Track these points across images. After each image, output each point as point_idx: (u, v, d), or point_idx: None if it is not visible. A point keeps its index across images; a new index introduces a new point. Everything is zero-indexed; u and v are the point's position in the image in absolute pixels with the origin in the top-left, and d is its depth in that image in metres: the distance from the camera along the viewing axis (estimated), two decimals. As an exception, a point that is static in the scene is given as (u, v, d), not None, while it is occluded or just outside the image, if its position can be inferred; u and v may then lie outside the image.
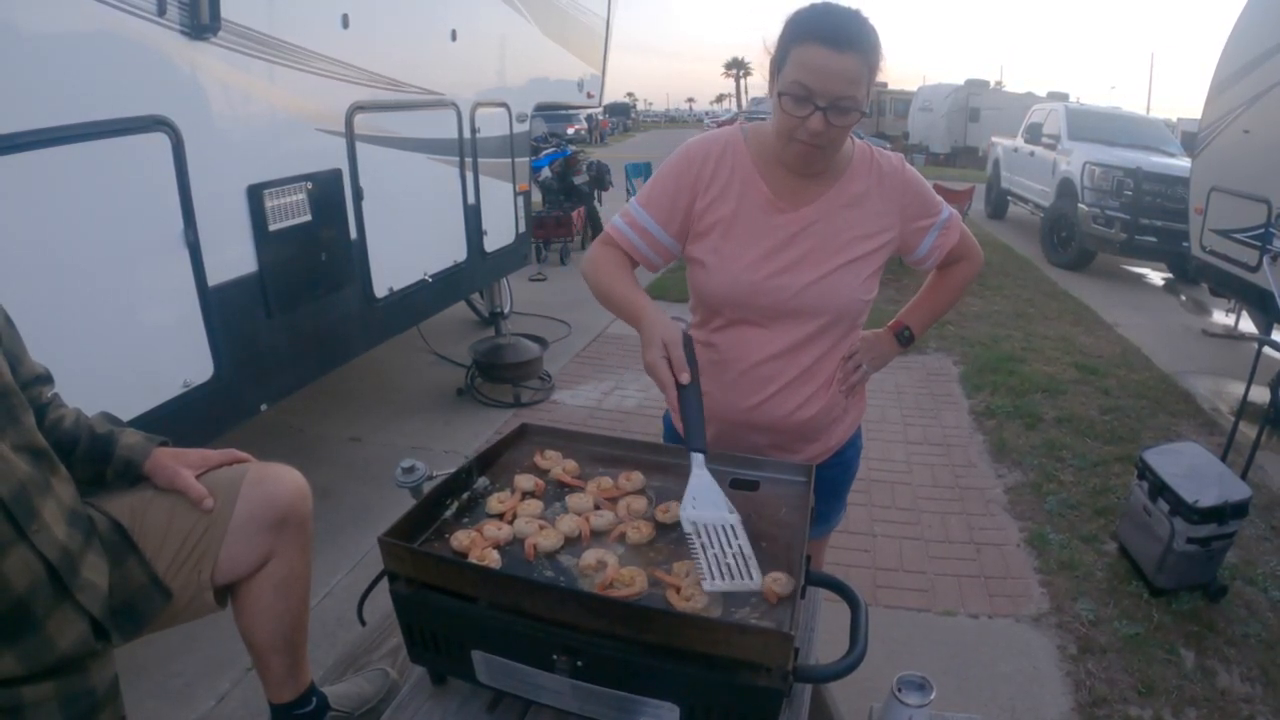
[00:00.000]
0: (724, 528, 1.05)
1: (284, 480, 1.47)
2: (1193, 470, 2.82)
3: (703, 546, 1.02)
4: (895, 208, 1.47)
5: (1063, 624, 2.69)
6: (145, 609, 1.33)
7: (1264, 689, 2.40)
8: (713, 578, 0.99)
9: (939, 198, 1.54)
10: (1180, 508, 2.70)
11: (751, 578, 1.00)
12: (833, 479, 1.63)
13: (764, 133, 1.44)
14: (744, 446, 1.51)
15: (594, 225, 9.05)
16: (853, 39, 1.23)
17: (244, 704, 2.26)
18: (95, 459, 1.38)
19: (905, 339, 1.67)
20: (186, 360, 2.44)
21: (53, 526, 1.19)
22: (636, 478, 1.32)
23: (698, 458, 1.16)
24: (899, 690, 1.41)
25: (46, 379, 1.41)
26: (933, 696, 1.41)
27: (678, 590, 1.03)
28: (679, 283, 6.09)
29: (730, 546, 1.03)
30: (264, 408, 2.82)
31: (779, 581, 1.04)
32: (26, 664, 1.11)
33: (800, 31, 1.26)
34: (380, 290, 3.50)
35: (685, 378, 1.20)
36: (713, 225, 1.45)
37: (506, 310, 5.70)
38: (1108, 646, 2.57)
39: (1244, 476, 2.97)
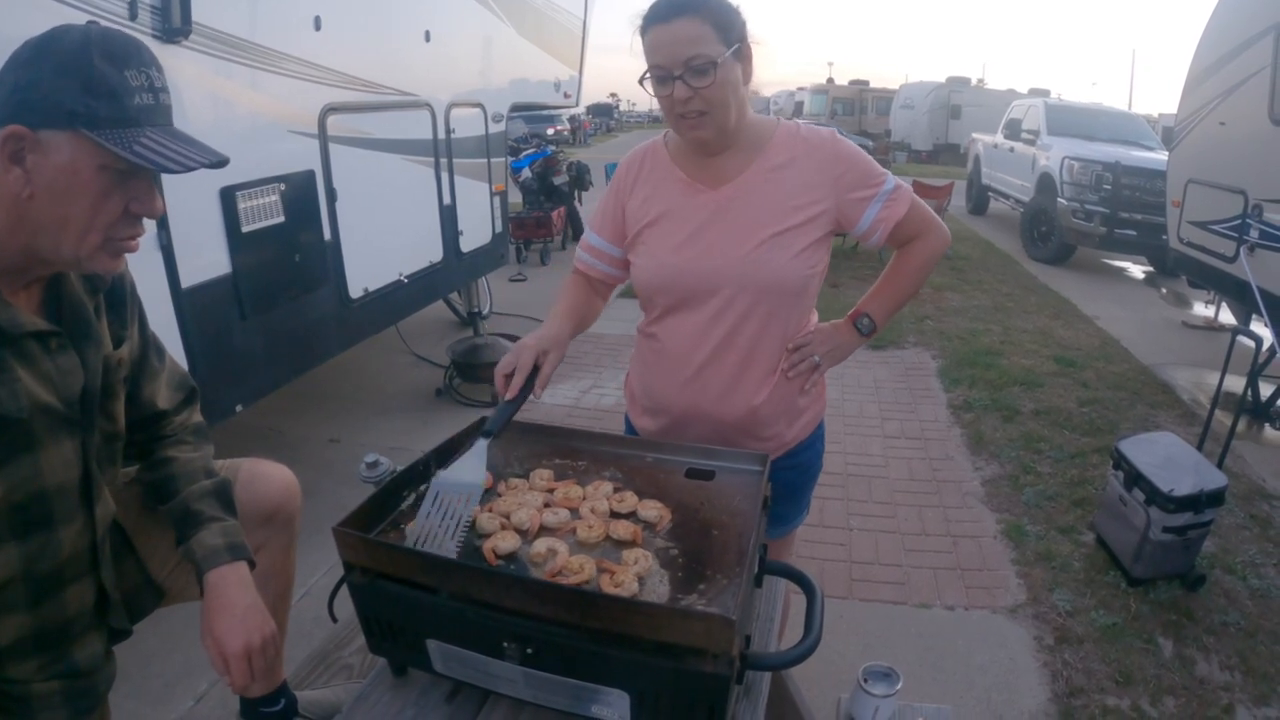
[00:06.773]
0: (464, 498, 1.12)
1: (275, 480, 1.52)
2: (1168, 459, 2.82)
3: (428, 512, 1.10)
4: (827, 179, 1.44)
5: (1039, 615, 2.70)
6: (138, 609, 1.38)
7: (1243, 677, 2.40)
8: (415, 540, 1.08)
9: (884, 170, 1.49)
10: (1156, 497, 2.71)
11: (446, 549, 1.07)
12: (789, 481, 1.58)
13: None
14: (690, 439, 1.50)
15: (574, 225, 9.03)
16: (678, 5, 1.29)
17: (221, 704, 2.25)
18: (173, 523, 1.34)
19: (865, 328, 1.58)
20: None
21: (112, 559, 1.25)
22: (605, 488, 1.29)
23: (483, 441, 1.24)
24: (865, 681, 1.41)
25: (170, 412, 1.38)
26: (899, 686, 1.41)
27: (611, 575, 1.03)
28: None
29: (451, 516, 1.10)
30: (239, 409, 2.82)
31: (642, 562, 1.06)
32: (43, 673, 1.16)
33: (641, 26, 1.35)
34: (355, 291, 3.49)
35: (509, 396, 1.29)
36: (643, 227, 1.51)
37: (485, 310, 5.69)
38: (1085, 637, 2.57)
39: (1220, 465, 2.99)
